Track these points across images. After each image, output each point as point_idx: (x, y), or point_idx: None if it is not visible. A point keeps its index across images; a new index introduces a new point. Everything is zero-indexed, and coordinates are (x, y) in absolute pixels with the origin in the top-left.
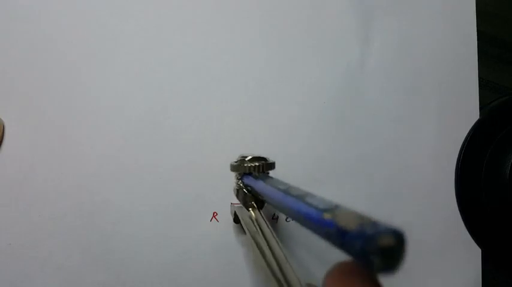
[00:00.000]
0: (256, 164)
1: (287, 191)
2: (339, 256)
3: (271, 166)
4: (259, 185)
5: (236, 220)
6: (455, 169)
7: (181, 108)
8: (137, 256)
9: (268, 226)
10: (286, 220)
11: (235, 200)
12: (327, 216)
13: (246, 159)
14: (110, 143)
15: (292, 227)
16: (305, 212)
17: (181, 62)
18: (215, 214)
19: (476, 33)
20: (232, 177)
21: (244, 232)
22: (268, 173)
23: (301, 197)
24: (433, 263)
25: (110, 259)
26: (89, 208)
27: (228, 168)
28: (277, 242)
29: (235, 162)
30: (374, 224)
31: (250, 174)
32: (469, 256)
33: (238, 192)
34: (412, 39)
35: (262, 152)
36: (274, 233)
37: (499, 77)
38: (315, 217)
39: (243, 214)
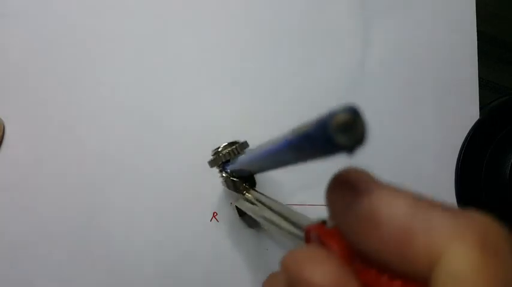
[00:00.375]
0: (231, 148)
1: (259, 147)
2: None
3: (245, 145)
4: (240, 160)
5: (241, 213)
6: (455, 169)
7: (181, 108)
8: (137, 256)
9: (266, 196)
10: None
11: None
12: (290, 136)
13: (220, 149)
14: (110, 143)
15: None
16: (277, 148)
17: (182, 63)
18: (215, 214)
19: (476, 33)
20: None
21: (248, 226)
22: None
23: (269, 142)
24: None
25: (110, 259)
26: (89, 208)
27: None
28: (278, 203)
29: (211, 156)
30: (328, 112)
31: (228, 161)
32: None
33: (226, 183)
34: (412, 39)
35: None
36: (273, 198)
37: (499, 77)
38: (284, 144)
39: (242, 204)
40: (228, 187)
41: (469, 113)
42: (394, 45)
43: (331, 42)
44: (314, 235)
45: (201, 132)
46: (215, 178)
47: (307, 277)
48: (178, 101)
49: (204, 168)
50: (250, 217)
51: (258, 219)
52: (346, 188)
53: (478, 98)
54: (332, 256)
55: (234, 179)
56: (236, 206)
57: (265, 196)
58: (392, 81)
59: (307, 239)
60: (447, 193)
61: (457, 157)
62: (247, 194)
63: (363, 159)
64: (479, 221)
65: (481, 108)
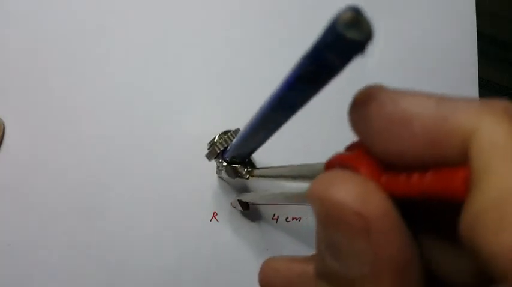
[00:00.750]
0: (226, 136)
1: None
2: None
3: (237, 131)
4: (236, 140)
5: (245, 207)
6: None
7: (181, 108)
8: (137, 256)
9: (270, 167)
10: (286, 220)
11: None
12: (297, 62)
13: (215, 139)
14: (110, 144)
15: (292, 227)
16: (282, 89)
17: (181, 62)
18: (215, 214)
19: (476, 33)
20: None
21: (251, 219)
22: None
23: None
24: None
25: (109, 259)
26: (89, 208)
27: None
28: (285, 166)
29: (208, 150)
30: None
31: (225, 149)
32: None
33: (227, 172)
34: (413, 39)
35: (262, 153)
36: (278, 165)
37: (499, 77)
38: (291, 77)
39: (245, 196)
40: (230, 175)
41: None
42: (394, 45)
43: None
44: (336, 165)
45: (200, 133)
46: (215, 178)
47: (331, 196)
48: (178, 102)
49: (205, 168)
50: (253, 209)
51: (267, 202)
52: (368, 102)
53: (478, 98)
54: (355, 173)
55: (235, 165)
56: (238, 201)
57: (269, 167)
58: (392, 81)
59: None
60: None
61: None
62: (251, 177)
63: None
64: (501, 101)
65: None
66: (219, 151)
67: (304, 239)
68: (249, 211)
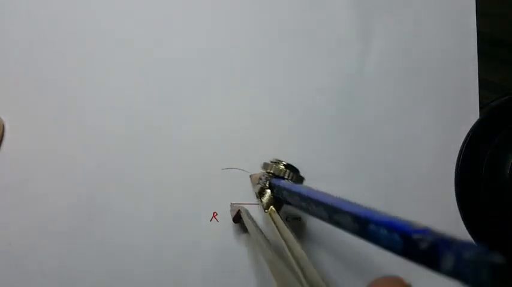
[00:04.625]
0: (290, 171)
1: (344, 200)
2: (357, 257)
3: (301, 179)
4: (298, 188)
5: (236, 219)
6: (455, 169)
7: (181, 108)
8: (137, 256)
9: (287, 227)
10: (286, 219)
11: (235, 200)
12: (417, 226)
13: (282, 162)
14: (110, 143)
15: (292, 227)
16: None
17: (181, 63)
18: (215, 214)
19: (476, 33)
20: (232, 177)
21: (243, 231)
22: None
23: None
24: None
25: (110, 259)
26: (89, 208)
27: (226, 167)
28: (298, 242)
29: (271, 162)
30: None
31: (282, 178)
32: None
33: (262, 192)
34: (412, 39)
35: (261, 153)
36: (293, 234)
37: (499, 77)
38: (401, 227)
39: (247, 218)
40: (260, 195)
41: (469, 113)
42: (394, 45)
43: (330, 42)
44: None
45: (201, 133)
46: (215, 178)
47: None
48: (179, 100)
49: (205, 168)
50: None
51: (254, 238)
52: None
53: (478, 98)
54: None
55: (272, 194)
56: (237, 211)
57: (287, 225)
58: (392, 81)
59: None
60: (447, 193)
61: (457, 157)
62: (272, 214)
63: (364, 160)
64: None
65: (481, 108)
66: (271, 173)
67: (304, 239)
68: (239, 223)
